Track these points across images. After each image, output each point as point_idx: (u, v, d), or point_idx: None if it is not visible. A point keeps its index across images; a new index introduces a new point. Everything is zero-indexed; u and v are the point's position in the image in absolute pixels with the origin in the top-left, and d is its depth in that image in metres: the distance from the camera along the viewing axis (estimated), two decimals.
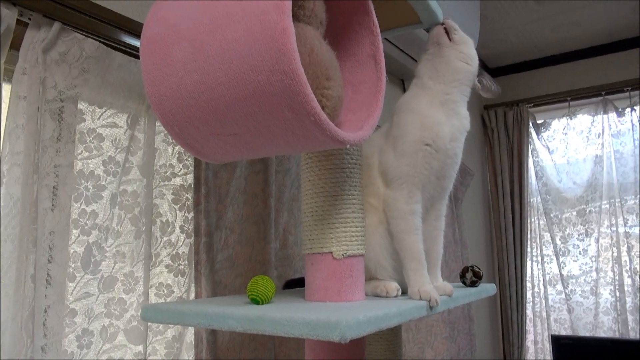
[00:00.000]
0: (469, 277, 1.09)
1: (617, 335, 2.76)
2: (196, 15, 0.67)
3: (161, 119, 0.73)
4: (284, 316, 0.66)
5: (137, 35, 1.11)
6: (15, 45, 0.93)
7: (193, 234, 1.20)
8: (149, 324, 1.12)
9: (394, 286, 0.90)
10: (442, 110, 0.94)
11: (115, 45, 1.09)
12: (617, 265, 2.81)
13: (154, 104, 0.72)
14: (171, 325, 1.17)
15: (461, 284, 1.11)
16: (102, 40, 1.05)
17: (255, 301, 0.80)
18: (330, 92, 0.72)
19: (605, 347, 2.37)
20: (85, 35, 1.01)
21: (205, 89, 0.66)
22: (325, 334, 0.62)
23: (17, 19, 0.92)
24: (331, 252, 0.84)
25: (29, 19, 0.95)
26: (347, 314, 0.65)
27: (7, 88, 0.94)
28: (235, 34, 0.63)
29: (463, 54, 0.98)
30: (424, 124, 0.92)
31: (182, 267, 1.22)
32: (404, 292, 0.91)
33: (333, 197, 0.86)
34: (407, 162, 0.91)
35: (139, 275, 1.12)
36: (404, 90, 2.25)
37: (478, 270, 1.09)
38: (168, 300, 1.19)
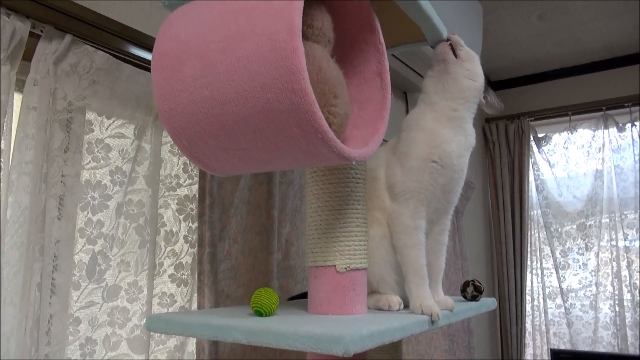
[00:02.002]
0: (470, 291, 1.10)
1: (616, 350, 2.75)
2: (207, 33, 0.69)
3: (171, 133, 0.74)
4: (287, 329, 0.67)
5: (145, 47, 1.13)
6: (27, 57, 0.94)
7: (197, 244, 1.21)
8: (152, 333, 1.13)
9: (396, 300, 0.91)
10: (449, 126, 0.94)
11: (124, 57, 1.11)
12: (616, 279, 2.81)
13: (164, 118, 0.73)
14: (173, 335, 1.18)
15: (462, 297, 1.12)
16: (112, 52, 1.07)
17: (259, 313, 0.81)
18: (337, 109, 0.73)
19: None
20: (96, 48, 1.03)
21: (215, 104, 0.68)
22: (329, 348, 0.63)
23: (30, 31, 0.94)
24: (334, 266, 0.85)
25: (41, 31, 0.97)
26: (351, 328, 0.65)
27: (18, 98, 0.95)
28: (246, 53, 0.64)
29: (469, 71, 0.98)
30: (431, 141, 0.92)
31: (185, 276, 1.23)
32: (406, 306, 0.92)
33: (337, 210, 0.87)
34: (414, 178, 0.91)
35: (143, 285, 1.13)
36: (407, 102, 2.27)
37: (479, 284, 1.10)
38: (170, 309, 1.20)
